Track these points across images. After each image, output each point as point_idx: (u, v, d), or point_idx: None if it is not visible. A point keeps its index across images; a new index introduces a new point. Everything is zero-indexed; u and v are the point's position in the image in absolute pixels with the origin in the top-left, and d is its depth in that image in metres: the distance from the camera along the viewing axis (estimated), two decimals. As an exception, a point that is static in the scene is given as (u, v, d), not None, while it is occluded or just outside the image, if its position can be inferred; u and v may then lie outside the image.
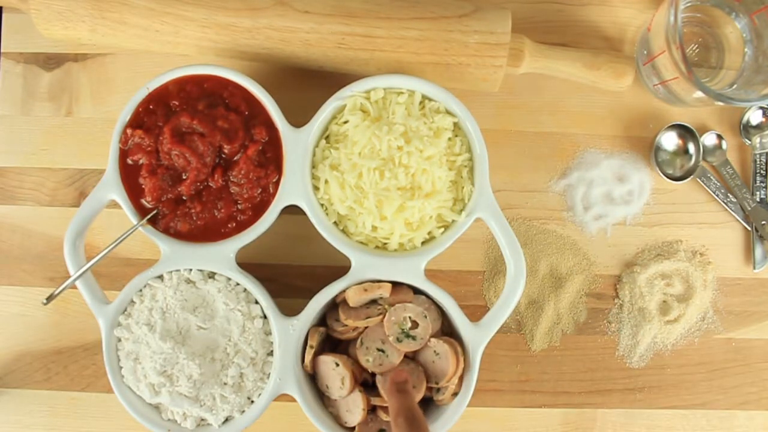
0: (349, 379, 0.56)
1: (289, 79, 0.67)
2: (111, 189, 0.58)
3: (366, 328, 0.58)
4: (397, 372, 0.50)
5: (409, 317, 0.57)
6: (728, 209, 0.67)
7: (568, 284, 0.66)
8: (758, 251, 0.66)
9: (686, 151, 0.66)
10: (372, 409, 0.58)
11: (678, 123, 0.66)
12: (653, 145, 0.66)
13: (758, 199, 0.66)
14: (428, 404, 0.60)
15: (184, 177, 0.58)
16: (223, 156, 0.58)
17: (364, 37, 0.60)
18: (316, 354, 0.58)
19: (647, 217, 0.67)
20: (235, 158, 0.58)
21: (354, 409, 0.57)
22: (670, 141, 0.66)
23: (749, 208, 0.66)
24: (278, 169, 0.59)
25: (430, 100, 0.60)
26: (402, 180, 0.57)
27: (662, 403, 0.66)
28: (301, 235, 0.64)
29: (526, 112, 0.67)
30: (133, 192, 0.58)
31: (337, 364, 0.56)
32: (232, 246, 0.58)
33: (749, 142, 0.67)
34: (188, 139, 0.57)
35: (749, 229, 0.67)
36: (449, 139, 0.59)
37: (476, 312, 0.65)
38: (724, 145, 0.67)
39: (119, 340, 0.59)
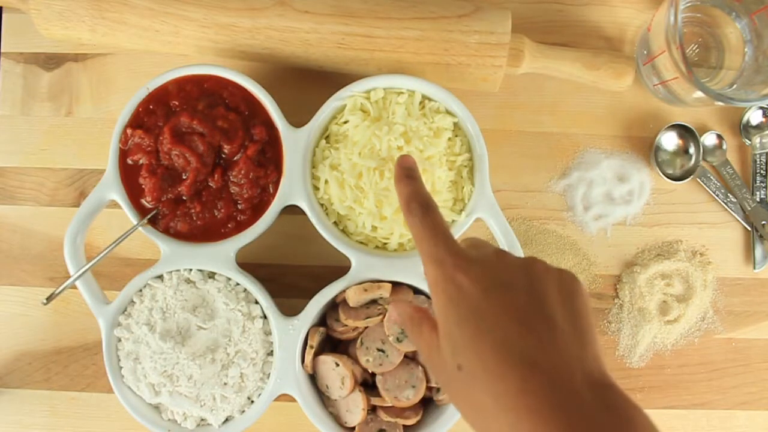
0: (349, 379, 0.56)
1: (289, 79, 0.67)
2: (111, 189, 0.58)
3: (366, 328, 0.58)
4: (403, 158, 0.44)
5: (409, 317, 0.57)
6: (728, 209, 0.67)
7: (568, 284, 0.66)
8: (758, 251, 0.66)
9: (686, 151, 0.66)
10: (372, 409, 0.58)
11: (678, 123, 0.66)
12: (653, 145, 0.66)
13: (758, 199, 0.66)
14: (428, 404, 0.60)
15: (184, 177, 0.58)
16: (223, 156, 0.58)
17: (364, 37, 0.60)
18: (316, 354, 0.58)
19: (647, 217, 0.67)
20: (235, 158, 0.58)
21: (354, 409, 0.57)
22: (670, 141, 0.66)
23: (749, 208, 0.66)
24: (278, 169, 0.59)
25: (430, 100, 0.60)
26: (402, 180, 0.57)
27: (662, 403, 0.66)
28: (301, 235, 0.64)
29: (526, 112, 0.67)
30: (133, 192, 0.58)
31: (337, 364, 0.56)
32: (232, 246, 0.58)
33: (749, 142, 0.67)
34: (188, 139, 0.57)
35: (749, 229, 0.67)
36: (449, 139, 0.59)
37: (476, 312, 0.65)
38: (724, 145, 0.67)
39: (119, 340, 0.59)
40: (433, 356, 0.37)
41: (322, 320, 0.61)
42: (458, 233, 0.58)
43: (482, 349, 0.33)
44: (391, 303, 0.47)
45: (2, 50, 0.68)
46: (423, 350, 0.38)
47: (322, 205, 0.59)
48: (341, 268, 0.58)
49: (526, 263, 0.37)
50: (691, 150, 0.66)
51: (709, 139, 0.67)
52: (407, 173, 0.42)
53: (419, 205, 0.40)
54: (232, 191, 0.58)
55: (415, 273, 0.58)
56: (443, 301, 0.36)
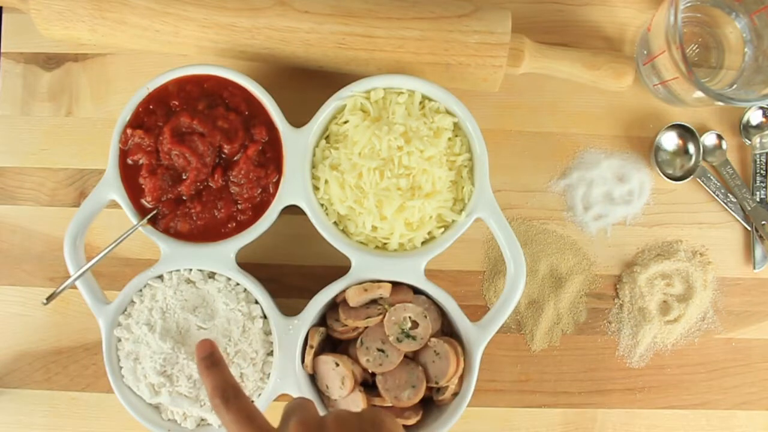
0: (349, 379, 0.56)
1: (289, 79, 0.67)
2: (111, 189, 0.58)
3: (366, 328, 0.58)
4: (200, 345, 0.43)
5: (409, 317, 0.57)
6: (728, 209, 0.67)
7: (568, 284, 0.66)
8: (758, 251, 0.66)
9: (686, 151, 0.66)
10: (372, 409, 0.58)
11: (678, 123, 0.66)
12: (653, 145, 0.66)
13: (758, 199, 0.66)
14: (428, 404, 0.60)
15: (184, 177, 0.58)
16: (223, 156, 0.58)
17: (364, 37, 0.60)
18: (316, 354, 0.58)
19: (647, 217, 0.67)
20: (235, 158, 0.58)
21: (354, 409, 0.57)
22: (670, 141, 0.66)
23: (749, 208, 0.66)
24: (278, 169, 0.59)
25: (430, 100, 0.60)
26: (402, 180, 0.57)
27: (662, 403, 0.66)
28: (301, 235, 0.64)
29: (526, 112, 0.67)
30: (133, 192, 0.58)
31: (337, 364, 0.56)
32: (232, 246, 0.58)
33: (749, 142, 0.67)
34: (188, 139, 0.57)
35: (749, 229, 0.67)
36: (449, 139, 0.59)
37: (476, 312, 0.65)
38: (724, 145, 0.67)
39: (119, 340, 0.59)
40: None
41: (322, 320, 0.61)
42: (458, 233, 0.58)
43: None
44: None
45: (2, 50, 0.68)
46: None
47: (322, 205, 0.59)
48: (341, 268, 0.58)
49: None
50: (691, 150, 0.66)
51: (709, 139, 0.67)
52: (206, 363, 0.41)
53: (224, 397, 0.39)
54: (232, 191, 0.58)
55: (415, 273, 0.58)
56: None
